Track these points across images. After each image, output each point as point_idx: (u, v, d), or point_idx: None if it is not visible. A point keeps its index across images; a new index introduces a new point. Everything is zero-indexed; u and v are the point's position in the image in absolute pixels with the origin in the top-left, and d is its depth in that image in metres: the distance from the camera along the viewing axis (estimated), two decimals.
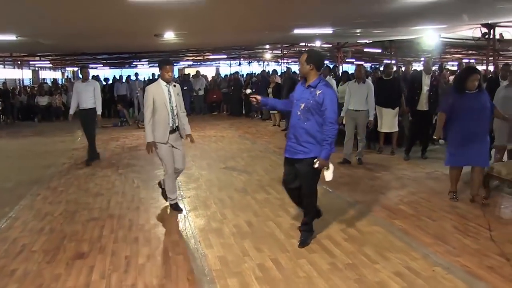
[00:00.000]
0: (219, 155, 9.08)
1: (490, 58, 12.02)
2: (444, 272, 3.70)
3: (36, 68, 28.44)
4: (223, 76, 20.80)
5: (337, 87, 10.86)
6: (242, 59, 30.07)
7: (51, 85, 21.59)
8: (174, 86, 5.35)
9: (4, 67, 23.11)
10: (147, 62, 28.55)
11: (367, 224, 4.90)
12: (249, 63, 32.41)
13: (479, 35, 11.07)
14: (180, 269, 3.94)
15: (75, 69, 29.54)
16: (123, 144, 10.92)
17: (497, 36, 11.21)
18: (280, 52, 21.99)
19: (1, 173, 7.98)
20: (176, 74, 22.97)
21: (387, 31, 13.11)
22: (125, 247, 4.45)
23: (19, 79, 24.17)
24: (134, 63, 28.68)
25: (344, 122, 7.85)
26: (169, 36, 11.93)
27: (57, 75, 31.23)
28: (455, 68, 17.86)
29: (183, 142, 5.53)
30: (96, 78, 17.64)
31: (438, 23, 11.27)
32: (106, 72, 29.13)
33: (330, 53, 22.46)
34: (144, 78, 20.27)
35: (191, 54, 24.36)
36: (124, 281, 3.73)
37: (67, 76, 32.71)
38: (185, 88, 14.53)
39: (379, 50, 20.02)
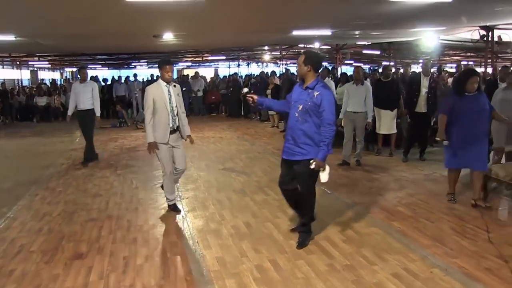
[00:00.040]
0: (218, 156, 9.08)
1: (488, 60, 12.04)
2: (442, 274, 3.70)
3: (35, 69, 28.45)
4: (221, 77, 20.81)
5: (335, 88, 10.89)
6: (241, 60, 30.12)
7: (49, 85, 21.59)
8: (174, 86, 5.34)
9: (3, 67, 23.11)
10: (146, 63, 28.57)
11: (365, 226, 4.91)
12: (248, 64, 32.46)
13: (477, 37, 11.10)
14: (178, 270, 3.94)
15: (74, 69, 29.52)
16: (121, 145, 10.92)
17: (496, 39, 11.24)
18: (279, 53, 22.02)
19: None
20: (174, 75, 22.97)
21: (386, 33, 13.14)
22: (124, 247, 4.45)
23: (18, 80, 24.15)
24: (133, 64, 28.70)
25: (342, 124, 7.86)
26: (168, 37, 11.94)
27: (56, 75, 31.26)
28: (453, 70, 17.88)
29: (183, 142, 5.52)
30: (94, 78, 17.68)
31: (437, 25, 11.30)
32: (105, 73, 29.15)
33: (329, 55, 22.52)
34: (143, 79, 20.26)
35: (190, 55, 24.38)
36: (122, 281, 3.73)
37: (66, 76, 32.71)
38: (184, 89, 14.46)
39: (378, 52, 20.05)
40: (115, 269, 3.96)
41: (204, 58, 26.23)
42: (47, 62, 25.85)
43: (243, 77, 21.59)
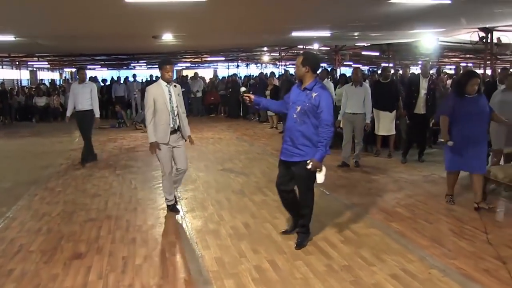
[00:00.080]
0: (217, 157, 9.09)
1: (487, 62, 12.05)
2: (440, 275, 3.71)
3: (34, 69, 28.45)
4: (220, 78, 20.83)
5: (335, 89, 10.90)
6: (240, 61, 30.12)
7: (49, 85, 21.59)
8: (175, 86, 5.34)
9: (2, 68, 23.10)
10: (145, 64, 28.58)
11: (364, 227, 4.92)
12: (247, 65, 32.48)
13: (476, 39, 11.11)
14: (177, 270, 3.95)
15: (73, 70, 29.54)
16: (120, 145, 10.92)
17: (495, 40, 11.25)
18: (278, 54, 22.03)
19: None
20: (173, 76, 23.00)
21: (385, 34, 13.15)
22: (123, 247, 4.46)
23: (17, 80, 24.15)
24: (132, 64, 28.70)
25: (341, 126, 7.87)
26: (167, 37, 11.94)
27: (55, 75, 31.27)
28: (452, 72, 17.91)
29: (183, 142, 5.51)
30: (94, 79, 17.71)
31: (436, 27, 11.31)
32: (104, 73, 29.13)
33: (328, 56, 22.53)
34: (142, 79, 20.28)
35: (189, 56, 24.40)
36: (121, 281, 3.73)
37: (65, 77, 32.71)
38: (183, 90, 14.51)
39: (377, 53, 20.07)
40: (114, 269, 3.97)
41: (203, 59, 26.25)
42: (46, 63, 25.86)
43: (242, 78, 21.59)
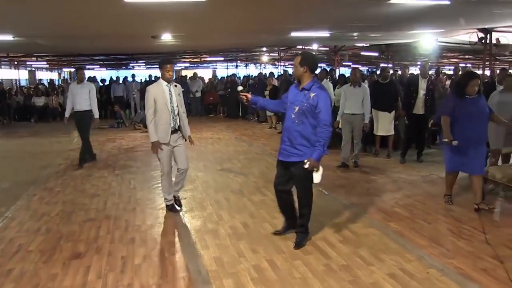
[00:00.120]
0: (216, 157, 9.10)
1: (486, 63, 12.07)
2: (438, 274, 3.73)
3: (33, 69, 28.39)
4: (220, 78, 20.83)
5: (334, 90, 10.91)
6: (239, 61, 30.10)
7: (47, 85, 21.57)
8: (175, 86, 5.34)
9: (1, 67, 23.04)
10: (144, 64, 28.55)
11: (363, 226, 4.93)
12: (246, 65, 32.45)
13: (475, 39, 11.12)
14: (176, 269, 3.96)
15: (72, 70, 29.50)
16: (119, 145, 10.92)
17: (494, 41, 11.26)
18: (277, 54, 22.02)
19: None
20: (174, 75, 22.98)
21: (384, 34, 13.17)
22: (122, 247, 4.46)
23: (16, 80, 24.12)
24: (131, 64, 28.65)
25: (340, 126, 7.87)
26: (167, 37, 11.94)
27: (54, 75, 31.21)
28: (451, 72, 17.93)
29: (184, 142, 5.51)
30: (92, 79, 17.69)
31: (435, 28, 11.33)
32: (102, 73, 29.06)
33: (327, 56, 22.53)
34: (141, 79, 20.27)
35: (188, 56, 24.39)
36: (120, 281, 3.74)
37: (64, 77, 32.65)
38: (182, 90, 14.55)
39: (376, 54, 20.07)
40: (113, 268, 3.98)
41: (202, 59, 26.23)
42: (45, 62, 25.80)
43: (241, 78, 21.60)
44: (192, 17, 8.46)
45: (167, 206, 5.58)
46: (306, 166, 4.04)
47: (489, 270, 3.79)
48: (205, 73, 28.48)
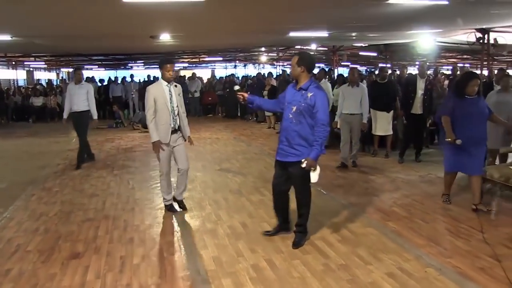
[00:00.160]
0: (214, 157, 9.10)
1: (484, 63, 12.09)
2: (436, 273, 3.74)
3: (31, 69, 28.34)
4: (218, 78, 20.82)
5: (332, 90, 10.91)
6: (237, 61, 30.06)
7: (45, 86, 21.54)
8: (176, 86, 5.33)
9: None
10: (143, 64, 28.51)
11: (361, 226, 4.94)
12: (245, 65, 32.42)
13: (473, 39, 11.14)
14: (175, 269, 3.97)
15: (70, 70, 29.44)
16: (118, 145, 10.92)
17: (492, 41, 11.28)
18: (275, 55, 22.00)
19: None
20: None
21: (382, 34, 13.17)
22: (120, 247, 4.47)
23: (14, 80, 24.08)
24: (129, 64, 28.62)
25: (338, 126, 7.88)
26: (165, 38, 11.93)
27: (52, 75, 31.11)
28: (449, 72, 17.95)
29: (183, 142, 5.50)
30: (91, 79, 17.68)
31: (434, 28, 11.34)
32: (101, 73, 29.01)
33: (325, 56, 22.53)
34: (140, 79, 20.25)
35: (186, 56, 24.35)
36: (119, 280, 3.74)
37: (62, 77, 32.58)
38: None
39: (375, 54, 20.07)
40: (112, 268, 3.98)
41: (201, 59, 26.21)
42: (43, 63, 25.74)
43: (240, 78, 21.59)
44: (190, 17, 8.46)
45: (166, 206, 5.59)
46: (304, 165, 4.04)
47: (487, 269, 3.81)
48: (204, 73, 28.41)
